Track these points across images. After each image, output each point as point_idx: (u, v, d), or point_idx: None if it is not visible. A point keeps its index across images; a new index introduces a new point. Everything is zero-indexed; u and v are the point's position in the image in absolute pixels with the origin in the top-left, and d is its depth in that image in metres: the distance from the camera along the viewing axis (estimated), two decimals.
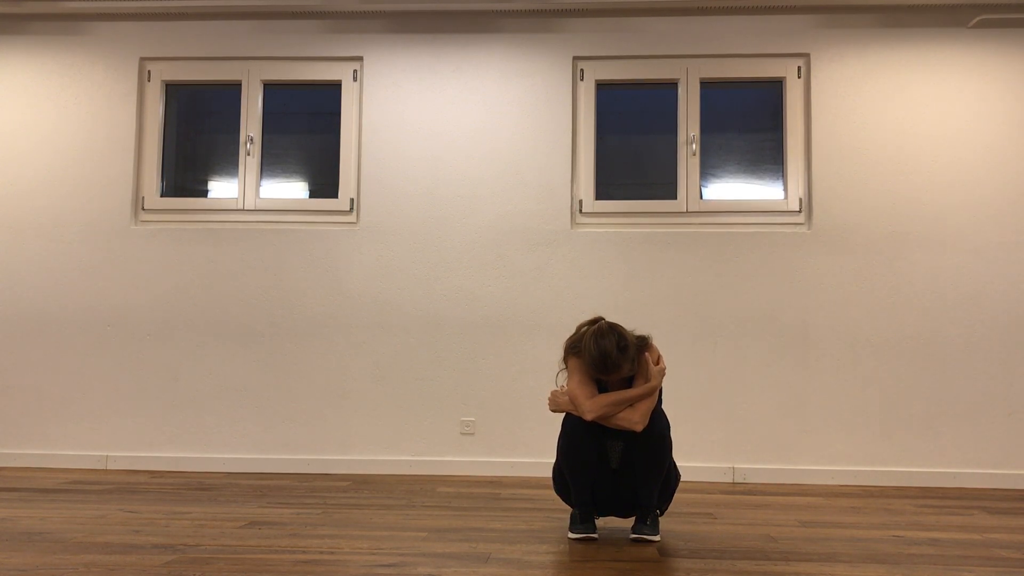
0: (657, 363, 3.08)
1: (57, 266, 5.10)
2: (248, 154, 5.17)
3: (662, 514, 3.18)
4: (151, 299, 5.06)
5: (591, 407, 3.01)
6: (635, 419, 3.01)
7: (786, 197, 5.00)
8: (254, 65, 5.20)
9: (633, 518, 3.14)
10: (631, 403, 3.01)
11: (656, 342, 3.20)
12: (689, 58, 5.06)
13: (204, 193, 5.33)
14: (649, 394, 3.03)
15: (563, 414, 3.14)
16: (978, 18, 4.86)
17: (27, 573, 2.54)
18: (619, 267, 4.94)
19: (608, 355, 2.93)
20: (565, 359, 3.18)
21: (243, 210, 5.16)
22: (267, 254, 5.06)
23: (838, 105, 4.94)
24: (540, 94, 5.05)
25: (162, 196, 5.23)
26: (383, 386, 4.96)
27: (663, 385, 3.18)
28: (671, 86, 5.09)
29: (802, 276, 4.87)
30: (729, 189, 5.12)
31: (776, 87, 5.08)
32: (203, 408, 5.00)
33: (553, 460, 3.22)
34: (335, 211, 5.12)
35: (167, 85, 5.27)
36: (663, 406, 3.20)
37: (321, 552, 2.86)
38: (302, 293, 5.03)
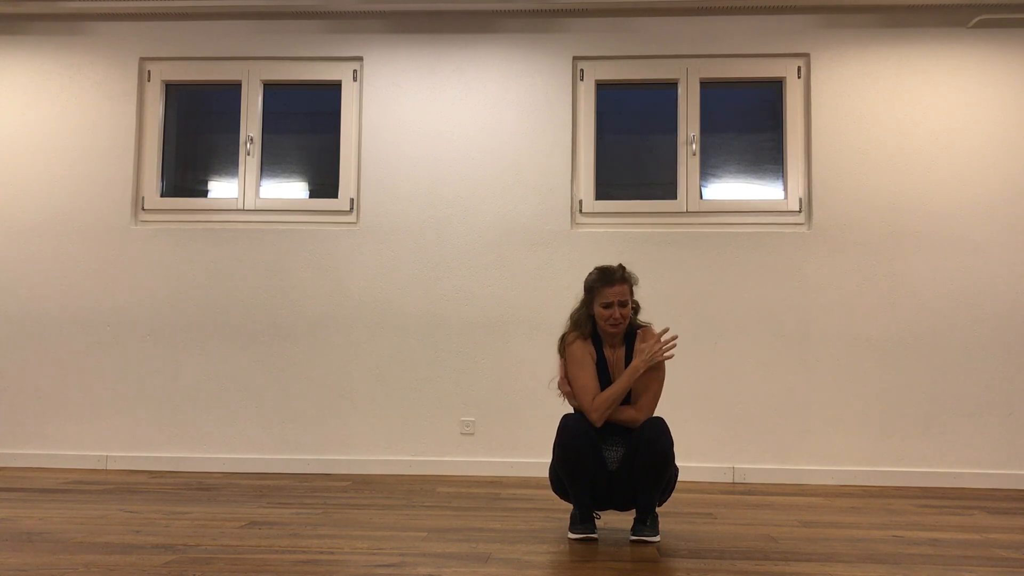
0: (653, 346, 3.12)
1: (57, 266, 5.10)
2: (248, 154, 5.17)
3: (660, 505, 3.18)
4: (151, 299, 5.06)
5: (597, 417, 3.07)
6: (640, 418, 3.10)
7: (786, 197, 5.00)
8: (254, 65, 5.20)
9: (633, 518, 3.13)
10: (626, 392, 3.09)
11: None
12: (689, 58, 5.06)
13: (204, 193, 5.33)
14: (632, 377, 3.08)
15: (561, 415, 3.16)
16: (978, 18, 4.86)
17: (27, 573, 2.54)
18: None
19: (611, 266, 3.19)
20: (563, 347, 3.22)
21: (243, 210, 5.16)
22: (267, 254, 5.05)
23: (838, 105, 4.94)
24: (540, 94, 5.05)
25: (162, 196, 5.23)
26: (383, 386, 4.95)
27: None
28: (671, 86, 5.09)
29: (802, 276, 4.87)
30: (729, 189, 5.12)
31: (776, 87, 5.08)
32: (203, 408, 5.00)
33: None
34: (335, 211, 5.12)
35: (167, 85, 5.27)
36: (661, 409, 3.21)
37: (321, 552, 2.86)
38: (302, 293, 5.03)
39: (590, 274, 3.24)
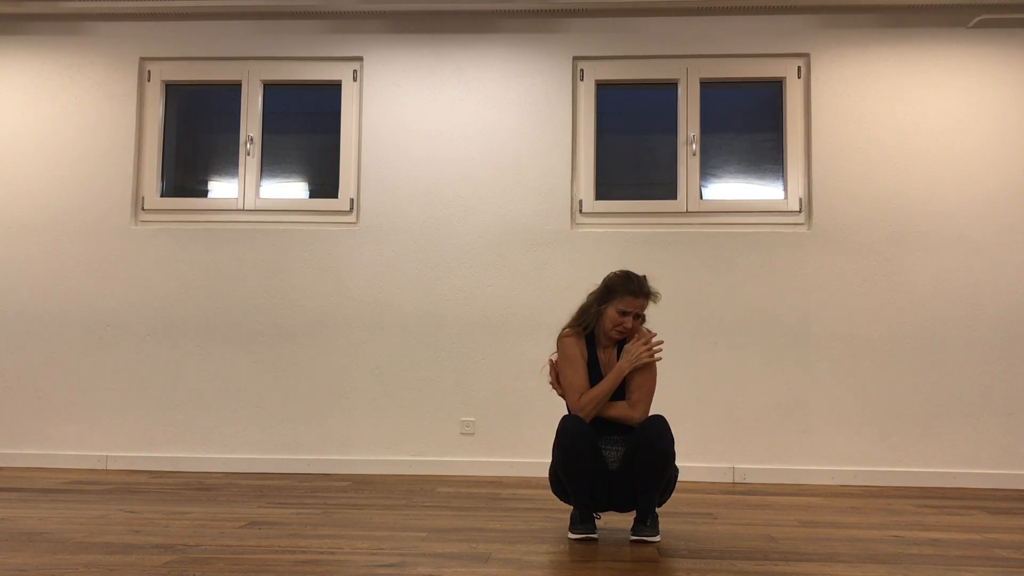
0: (639, 348, 3.13)
1: (57, 266, 5.10)
2: (248, 154, 5.17)
3: (660, 505, 3.18)
4: (151, 299, 5.06)
5: (584, 416, 3.09)
6: (633, 415, 3.11)
7: (786, 197, 5.00)
8: (254, 65, 5.20)
9: (633, 518, 3.14)
10: (612, 391, 3.10)
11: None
12: (689, 58, 5.06)
13: (204, 193, 5.33)
14: (618, 377, 3.10)
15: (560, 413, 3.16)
16: (978, 18, 4.86)
17: (27, 573, 2.54)
18: (619, 267, 4.91)
19: (640, 276, 3.17)
20: (561, 339, 3.23)
21: (243, 210, 5.16)
22: (267, 254, 5.05)
23: (838, 105, 4.94)
24: (540, 94, 5.05)
25: (162, 196, 5.23)
26: (383, 386, 4.95)
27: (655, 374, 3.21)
28: (671, 86, 5.09)
29: (802, 276, 4.87)
30: (729, 189, 5.12)
31: (776, 87, 5.08)
32: (203, 408, 5.00)
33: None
34: (335, 211, 5.12)
35: (167, 85, 5.27)
36: (661, 409, 3.21)
37: (321, 552, 2.86)
38: (302, 293, 5.03)
39: (617, 275, 3.20)
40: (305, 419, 4.96)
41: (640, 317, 3.18)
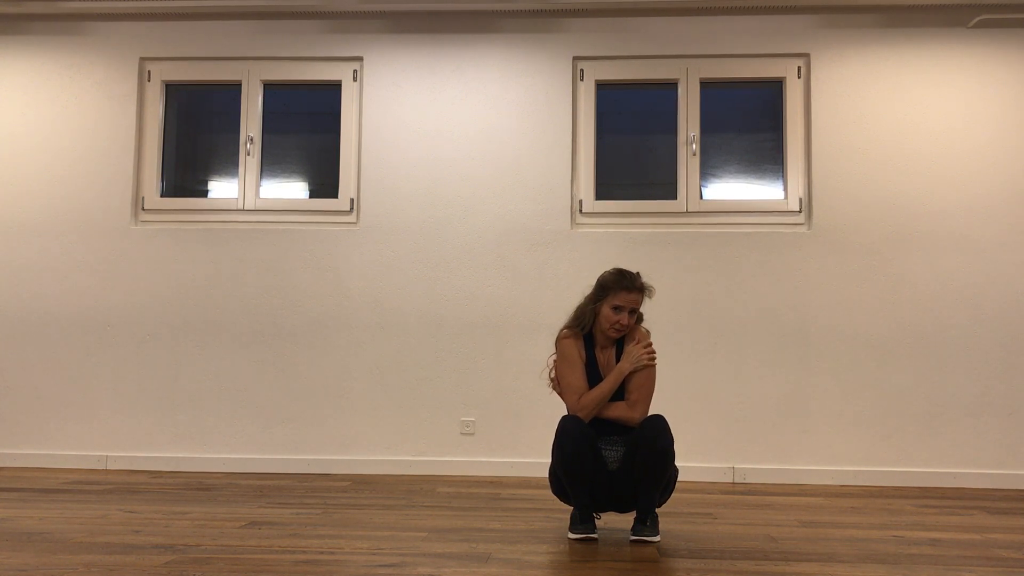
0: (639, 343, 3.15)
1: (57, 266, 5.10)
2: (248, 154, 5.17)
3: (660, 506, 3.18)
4: (151, 299, 5.06)
5: (583, 416, 3.09)
6: (633, 416, 3.11)
7: (786, 197, 4.99)
8: (254, 65, 5.20)
9: (633, 518, 3.13)
10: (612, 392, 3.10)
11: (656, 342, 3.22)
12: (689, 58, 5.06)
13: (204, 193, 5.33)
14: (618, 378, 3.11)
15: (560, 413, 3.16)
16: (978, 18, 4.86)
17: (27, 573, 2.54)
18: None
19: (632, 272, 3.17)
20: (559, 341, 3.23)
21: (243, 210, 5.16)
22: (267, 254, 5.05)
23: (838, 105, 4.94)
24: (540, 94, 5.05)
25: (162, 196, 5.23)
26: (383, 386, 4.95)
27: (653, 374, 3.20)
28: (671, 86, 5.09)
29: (802, 276, 4.87)
30: (729, 189, 5.12)
31: (776, 87, 5.08)
32: (203, 408, 5.00)
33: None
34: (335, 211, 5.12)
35: (167, 85, 5.27)
36: (661, 409, 3.21)
37: (321, 552, 2.86)
38: (302, 293, 5.03)
39: (609, 273, 3.21)
40: (305, 419, 4.96)
41: (636, 314, 3.17)
